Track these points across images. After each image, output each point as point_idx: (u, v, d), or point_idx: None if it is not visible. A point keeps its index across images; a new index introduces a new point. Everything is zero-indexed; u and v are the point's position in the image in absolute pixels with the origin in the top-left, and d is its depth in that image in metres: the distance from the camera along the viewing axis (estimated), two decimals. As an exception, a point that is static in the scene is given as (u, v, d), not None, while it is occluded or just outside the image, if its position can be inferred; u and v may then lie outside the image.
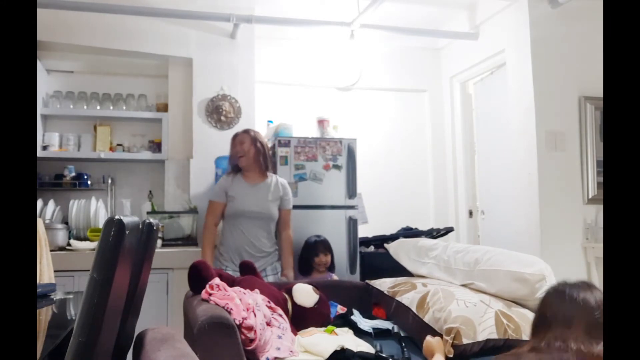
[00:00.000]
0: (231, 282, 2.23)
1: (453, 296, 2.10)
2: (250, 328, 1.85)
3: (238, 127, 3.81)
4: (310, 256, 3.18)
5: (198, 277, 2.17)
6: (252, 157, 3.09)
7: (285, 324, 2.12)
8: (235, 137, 3.17)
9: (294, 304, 2.31)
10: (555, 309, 1.40)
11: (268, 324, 2.01)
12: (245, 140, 3.11)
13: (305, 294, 2.32)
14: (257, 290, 2.17)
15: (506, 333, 1.91)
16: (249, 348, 1.84)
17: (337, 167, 3.51)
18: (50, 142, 3.58)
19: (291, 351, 1.95)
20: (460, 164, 4.49)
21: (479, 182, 4.38)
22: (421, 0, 3.94)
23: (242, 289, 2.09)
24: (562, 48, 3.52)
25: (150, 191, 3.81)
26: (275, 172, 3.29)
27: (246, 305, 1.93)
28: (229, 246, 3.00)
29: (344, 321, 2.37)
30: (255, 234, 3.01)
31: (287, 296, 2.33)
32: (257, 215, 3.02)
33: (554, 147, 3.46)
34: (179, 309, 2.47)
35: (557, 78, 3.50)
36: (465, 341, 1.89)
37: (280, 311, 2.18)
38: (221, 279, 2.13)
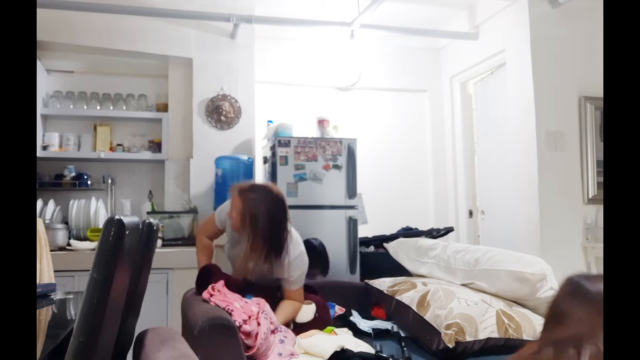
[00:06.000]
0: (239, 288, 2.19)
1: (454, 295, 2.10)
2: (248, 334, 1.85)
3: (238, 127, 3.82)
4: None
5: (207, 281, 2.15)
6: (246, 235, 2.19)
7: (287, 331, 2.11)
8: (234, 192, 2.24)
9: (294, 322, 2.29)
10: (571, 305, 1.15)
11: (272, 331, 2.00)
12: (235, 210, 2.19)
13: (302, 313, 2.29)
14: (254, 302, 2.11)
15: (507, 332, 1.91)
16: (248, 354, 1.84)
17: (337, 167, 3.51)
18: (50, 142, 3.58)
19: (292, 354, 1.95)
20: (460, 164, 4.49)
21: (479, 182, 4.38)
22: (421, 0, 3.94)
23: (244, 298, 2.08)
24: (562, 48, 3.52)
25: (150, 191, 3.81)
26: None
27: (249, 313, 1.92)
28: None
29: (344, 322, 2.37)
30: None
31: None
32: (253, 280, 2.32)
33: (554, 147, 3.46)
34: (178, 309, 2.47)
35: (557, 78, 3.50)
36: (468, 338, 1.89)
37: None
38: (227, 285, 2.11)
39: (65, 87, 3.77)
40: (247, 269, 2.23)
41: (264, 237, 2.14)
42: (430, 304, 2.12)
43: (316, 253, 3.24)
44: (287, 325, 2.19)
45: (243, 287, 2.22)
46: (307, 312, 2.27)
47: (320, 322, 2.27)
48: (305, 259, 2.33)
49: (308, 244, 3.27)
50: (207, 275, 2.22)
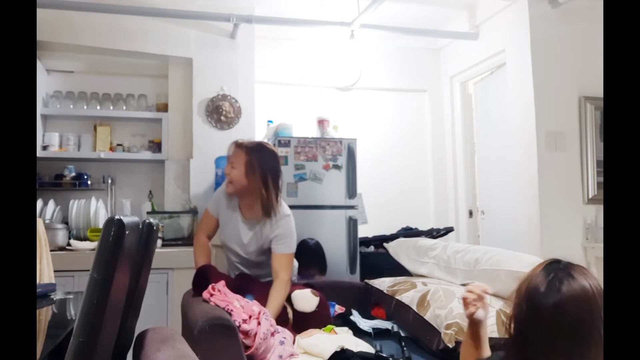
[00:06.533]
0: (237, 288, 2.20)
1: (454, 295, 2.10)
2: (246, 333, 1.85)
3: (238, 127, 3.81)
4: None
5: (204, 282, 2.15)
6: (243, 189, 2.34)
7: (285, 331, 2.11)
8: (232, 147, 2.41)
9: (294, 310, 2.29)
10: (530, 316, 1.09)
11: (272, 333, 2.00)
12: (238, 165, 2.33)
13: (305, 300, 2.29)
14: (256, 303, 2.13)
15: (507, 332, 1.91)
16: (246, 354, 1.84)
17: (337, 167, 3.51)
18: (50, 142, 3.58)
19: (291, 354, 1.95)
20: (460, 164, 4.49)
21: (479, 182, 4.38)
22: (421, 0, 3.94)
23: (244, 298, 2.08)
24: (562, 48, 3.52)
25: (150, 191, 3.81)
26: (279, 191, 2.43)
27: (250, 312, 1.93)
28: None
29: (344, 321, 2.37)
30: (242, 270, 2.51)
31: (285, 303, 2.30)
32: (243, 257, 2.48)
33: (554, 147, 3.46)
34: (178, 309, 2.47)
35: (557, 78, 3.50)
36: (467, 339, 1.89)
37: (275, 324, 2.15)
38: (227, 285, 2.11)
39: (65, 87, 3.76)
40: (250, 219, 2.38)
41: (269, 179, 2.31)
42: (430, 303, 2.12)
43: (312, 253, 3.24)
44: (281, 313, 2.20)
45: (241, 286, 2.23)
46: (311, 301, 2.28)
47: (320, 318, 2.28)
48: (292, 224, 2.43)
49: (304, 244, 3.27)
50: (203, 277, 2.22)
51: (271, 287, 2.29)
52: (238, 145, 2.39)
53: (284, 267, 2.34)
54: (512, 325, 1.15)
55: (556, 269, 1.12)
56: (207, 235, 2.55)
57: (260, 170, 2.31)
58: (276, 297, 2.24)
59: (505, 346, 1.15)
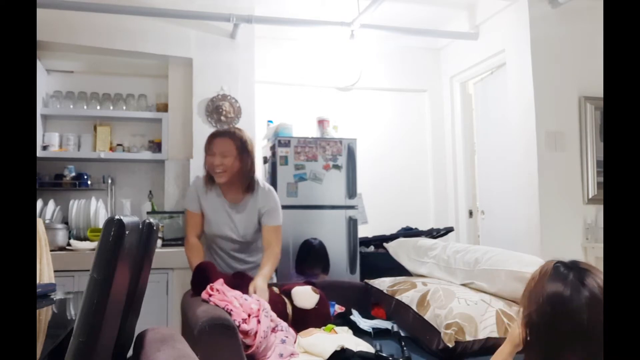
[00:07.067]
0: (235, 285, 2.21)
1: (454, 295, 2.10)
2: (246, 333, 1.85)
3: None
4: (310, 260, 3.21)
5: (204, 280, 2.15)
6: (235, 174, 2.42)
7: (289, 330, 2.11)
8: (213, 139, 2.43)
9: (294, 307, 2.29)
10: (559, 319, 1.08)
11: (273, 329, 2.00)
12: (229, 151, 2.38)
13: (305, 296, 2.31)
14: (254, 296, 2.14)
15: (507, 332, 1.91)
16: (247, 353, 1.84)
17: (337, 167, 3.52)
18: (50, 142, 3.58)
19: (292, 354, 1.95)
20: (460, 164, 4.50)
21: (479, 182, 4.38)
22: (421, 0, 3.94)
23: (243, 295, 2.08)
24: (562, 48, 3.52)
25: (150, 191, 3.81)
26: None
27: (248, 311, 1.92)
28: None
29: (344, 320, 2.38)
30: (235, 255, 2.56)
31: (285, 299, 2.31)
32: (237, 241, 2.52)
33: (554, 147, 3.46)
34: (178, 309, 2.48)
35: (557, 78, 3.50)
36: (467, 338, 1.89)
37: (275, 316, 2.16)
38: (226, 282, 2.11)
39: (65, 87, 3.76)
40: (235, 197, 2.47)
41: (250, 157, 2.44)
42: (430, 303, 2.12)
43: (316, 252, 3.25)
44: (280, 309, 2.20)
45: (238, 285, 2.23)
46: (311, 298, 2.28)
47: (319, 315, 2.28)
48: (276, 196, 2.54)
49: (308, 243, 3.28)
50: (202, 274, 2.21)
51: (263, 256, 2.41)
52: (220, 134, 2.47)
53: (276, 238, 2.46)
54: (533, 332, 1.13)
55: (567, 268, 1.11)
56: (196, 235, 2.53)
57: (246, 151, 2.44)
58: (268, 265, 2.35)
59: (527, 352, 1.13)
